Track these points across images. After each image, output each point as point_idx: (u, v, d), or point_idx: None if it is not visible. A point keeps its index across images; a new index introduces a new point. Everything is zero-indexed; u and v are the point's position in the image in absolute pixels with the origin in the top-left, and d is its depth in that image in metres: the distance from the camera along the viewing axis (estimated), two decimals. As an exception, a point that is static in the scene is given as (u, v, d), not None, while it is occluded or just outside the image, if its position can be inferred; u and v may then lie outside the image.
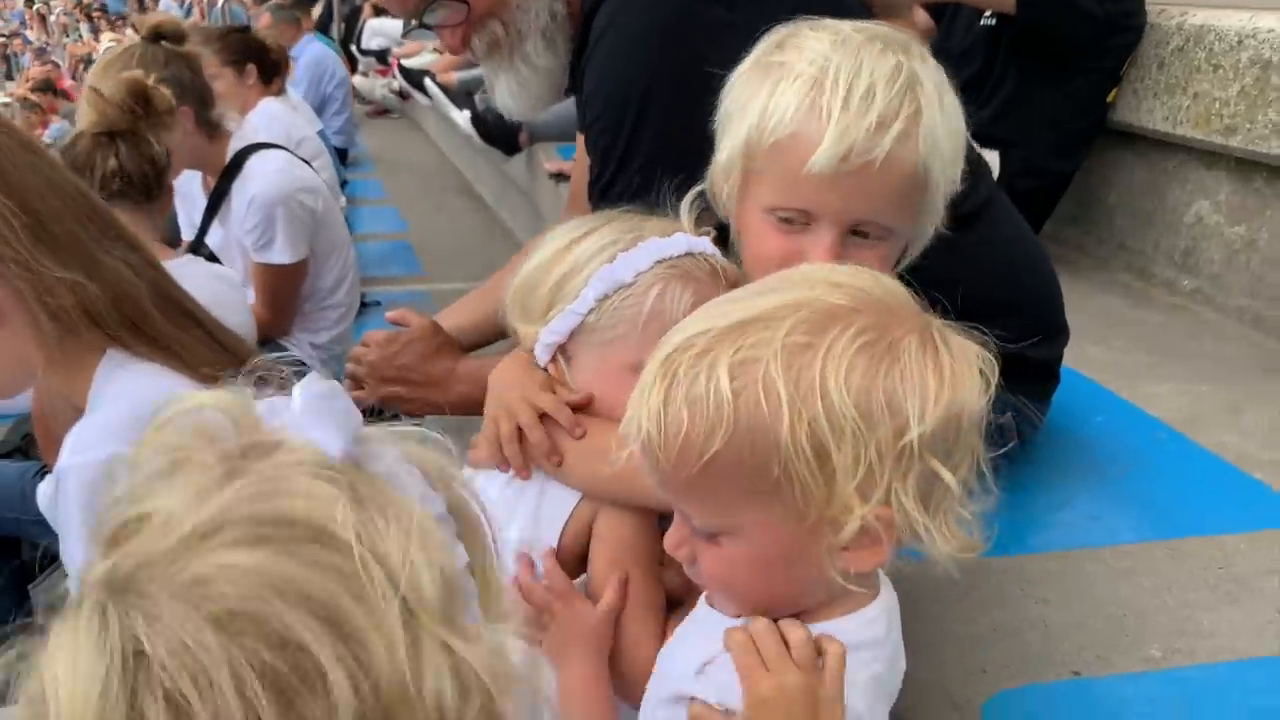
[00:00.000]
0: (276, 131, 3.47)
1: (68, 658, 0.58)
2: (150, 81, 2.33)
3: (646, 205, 1.26)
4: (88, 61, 14.42)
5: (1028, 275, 1.70)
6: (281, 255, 2.98)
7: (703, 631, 0.99)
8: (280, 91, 4.29)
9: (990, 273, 1.55)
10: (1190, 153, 2.84)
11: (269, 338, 3.01)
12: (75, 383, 1.37)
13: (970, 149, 1.36)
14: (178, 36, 2.88)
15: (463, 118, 5.05)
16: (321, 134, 4.71)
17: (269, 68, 4.10)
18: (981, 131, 1.99)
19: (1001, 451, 0.99)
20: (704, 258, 1.17)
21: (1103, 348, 2.46)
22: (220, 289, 2.36)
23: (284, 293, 3.05)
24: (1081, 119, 2.97)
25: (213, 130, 3.00)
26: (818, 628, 0.94)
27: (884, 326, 0.87)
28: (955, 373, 0.88)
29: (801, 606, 0.95)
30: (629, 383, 0.93)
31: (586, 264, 1.16)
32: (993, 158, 2.79)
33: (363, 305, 3.50)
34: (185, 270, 1.84)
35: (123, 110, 2.28)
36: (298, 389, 0.68)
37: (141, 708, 0.57)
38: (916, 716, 1.31)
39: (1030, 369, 1.63)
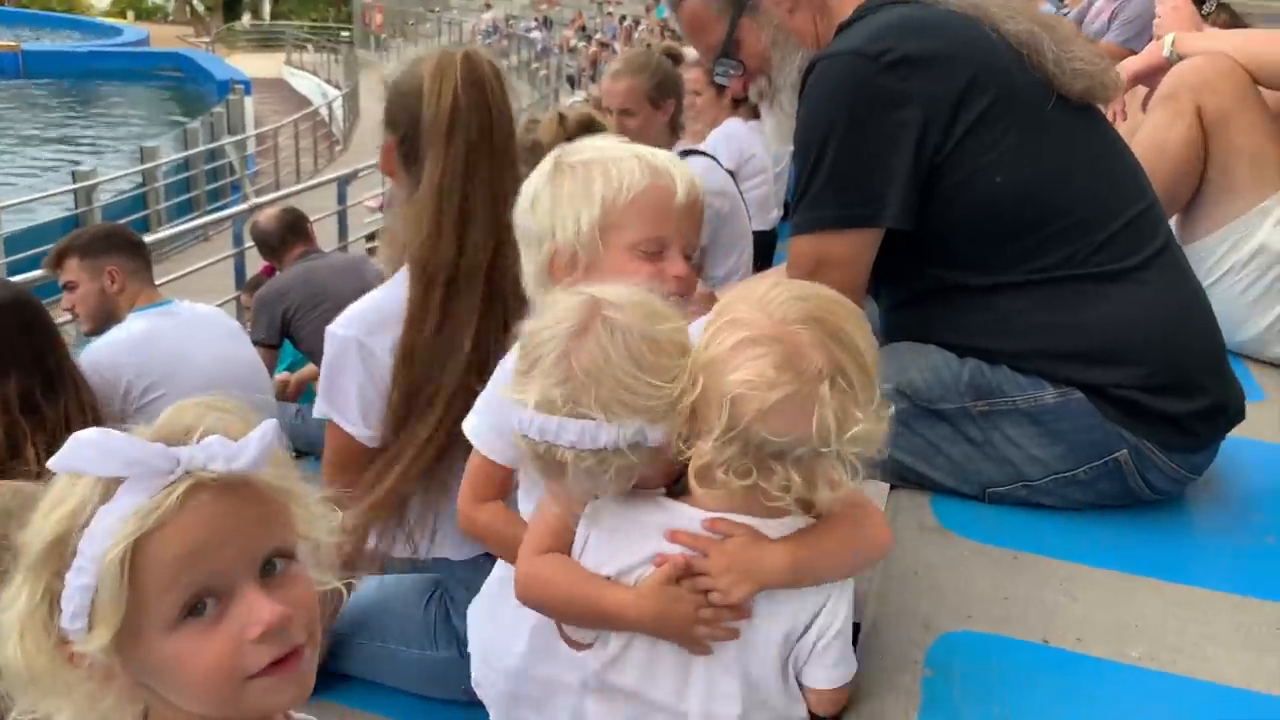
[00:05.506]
0: (730, 149, 4.23)
1: None
2: (646, 80, 3.65)
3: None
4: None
5: (1168, 334, 1.93)
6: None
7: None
8: (753, 115, 4.47)
9: (1118, 320, 1.90)
10: None
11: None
12: None
13: None
14: (677, 57, 4.13)
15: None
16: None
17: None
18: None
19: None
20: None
21: None
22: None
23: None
24: None
25: (674, 131, 3.86)
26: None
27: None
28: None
29: None
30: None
31: None
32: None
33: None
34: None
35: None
36: None
37: None
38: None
39: (1147, 415, 1.89)
